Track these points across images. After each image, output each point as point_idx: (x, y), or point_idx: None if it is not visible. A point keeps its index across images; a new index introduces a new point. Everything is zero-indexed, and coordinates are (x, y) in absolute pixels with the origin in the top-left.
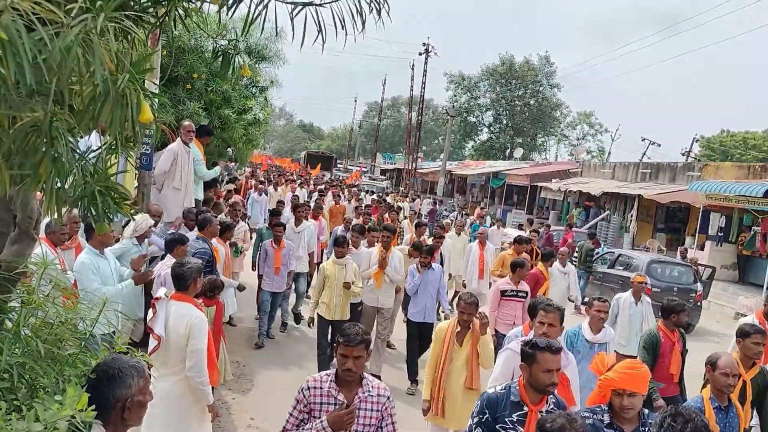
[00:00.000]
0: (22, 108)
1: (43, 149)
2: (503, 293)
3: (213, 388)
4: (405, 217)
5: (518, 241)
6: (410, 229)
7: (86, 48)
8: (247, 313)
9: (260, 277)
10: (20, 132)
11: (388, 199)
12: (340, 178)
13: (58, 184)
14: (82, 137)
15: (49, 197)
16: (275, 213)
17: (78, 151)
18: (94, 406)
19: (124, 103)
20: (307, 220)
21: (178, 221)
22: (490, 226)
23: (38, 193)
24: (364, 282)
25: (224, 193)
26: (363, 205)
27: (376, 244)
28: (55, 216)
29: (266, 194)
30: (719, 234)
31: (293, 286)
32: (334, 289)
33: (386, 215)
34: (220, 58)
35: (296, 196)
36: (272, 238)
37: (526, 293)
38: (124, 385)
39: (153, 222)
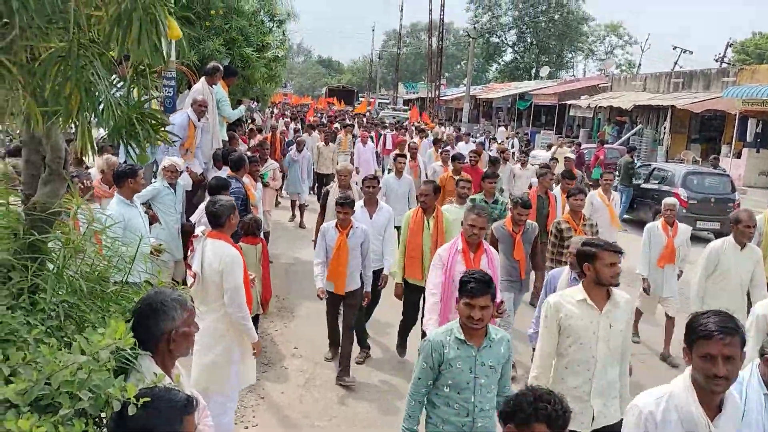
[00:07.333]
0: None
1: (73, 80)
2: None
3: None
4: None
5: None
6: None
7: None
8: (283, 250)
9: None
10: (48, 63)
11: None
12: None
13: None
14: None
15: (82, 132)
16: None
17: (107, 80)
18: (141, 339)
19: (150, 20)
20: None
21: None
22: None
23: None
24: None
25: (247, 132)
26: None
27: None
28: (89, 152)
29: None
30: (757, 140)
31: None
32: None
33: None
34: None
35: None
36: None
37: None
38: (168, 318)
39: (182, 162)
